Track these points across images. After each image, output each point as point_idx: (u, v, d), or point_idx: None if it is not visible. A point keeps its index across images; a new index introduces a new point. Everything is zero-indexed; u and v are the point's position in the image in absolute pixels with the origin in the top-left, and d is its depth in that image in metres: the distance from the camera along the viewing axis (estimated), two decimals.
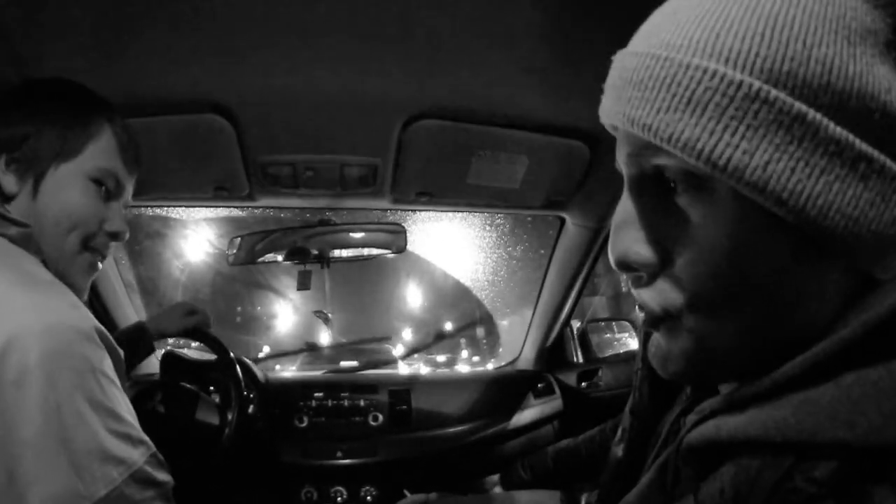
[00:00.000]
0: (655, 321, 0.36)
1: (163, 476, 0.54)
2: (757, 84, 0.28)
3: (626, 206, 0.36)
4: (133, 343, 1.09)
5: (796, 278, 0.31)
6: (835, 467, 0.27)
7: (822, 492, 0.27)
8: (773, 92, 0.28)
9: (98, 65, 0.79)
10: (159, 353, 1.27)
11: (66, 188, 0.64)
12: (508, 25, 0.75)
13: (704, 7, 0.30)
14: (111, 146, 0.68)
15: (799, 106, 0.28)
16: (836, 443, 0.27)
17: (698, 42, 0.30)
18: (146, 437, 0.53)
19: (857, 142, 0.28)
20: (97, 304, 1.36)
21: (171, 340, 1.49)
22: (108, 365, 0.51)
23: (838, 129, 0.28)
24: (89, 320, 0.51)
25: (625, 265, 0.35)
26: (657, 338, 0.38)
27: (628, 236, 0.35)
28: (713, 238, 0.31)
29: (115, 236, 0.69)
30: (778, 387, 0.31)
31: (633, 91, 0.32)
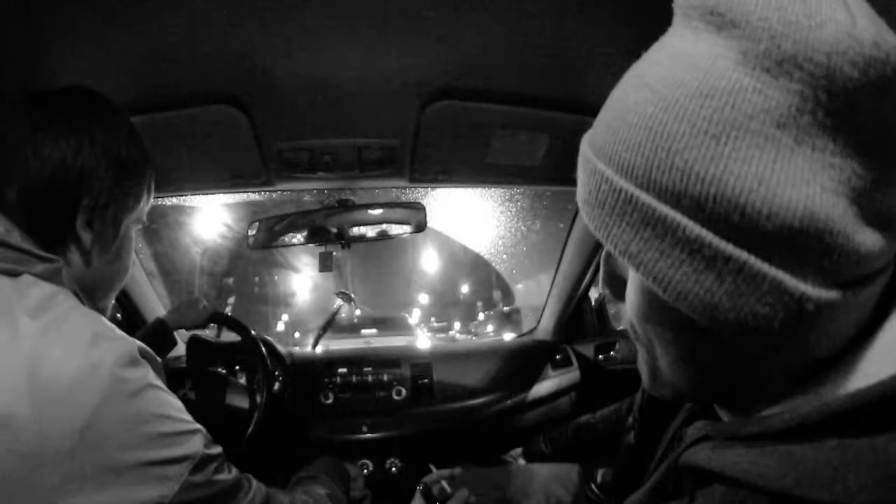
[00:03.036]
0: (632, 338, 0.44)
1: (215, 449, 0.59)
2: (632, 190, 0.33)
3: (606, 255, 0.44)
4: (157, 340, 1.15)
5: (701, 342, 0.36)
6: None
7: None
8: (643, 197, 0.33)
9: (109, 63, 0.79)
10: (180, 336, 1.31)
11: (130, 244, 0.67)
12: (527, 3, 0.73)
13: (615, 110, 0.36)
14: (151, 186, 0.70)
15: (662, 208, 0.32)
16: (812, 500, 0.29)
17: (604, 147, 0.35)
18: (196, 424, 0.57)
19: (715, 240, 0.31)
20: (125, 302, 1.40)
21: None
22: (154, 376, 0.54)
23: (696, 227, 0.31)
24: (128, 344, 0.53)
25: (606, 296, 0.45)
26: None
27: (603, 273, 0.44)
28: (631, 296, 0.39)
29: None
30: (764, 436, 0.34)
31: (580, 181, 0.39)
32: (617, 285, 0.42)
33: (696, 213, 0.31)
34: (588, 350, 1.72)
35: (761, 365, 0.36)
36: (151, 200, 0.70)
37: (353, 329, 7.21)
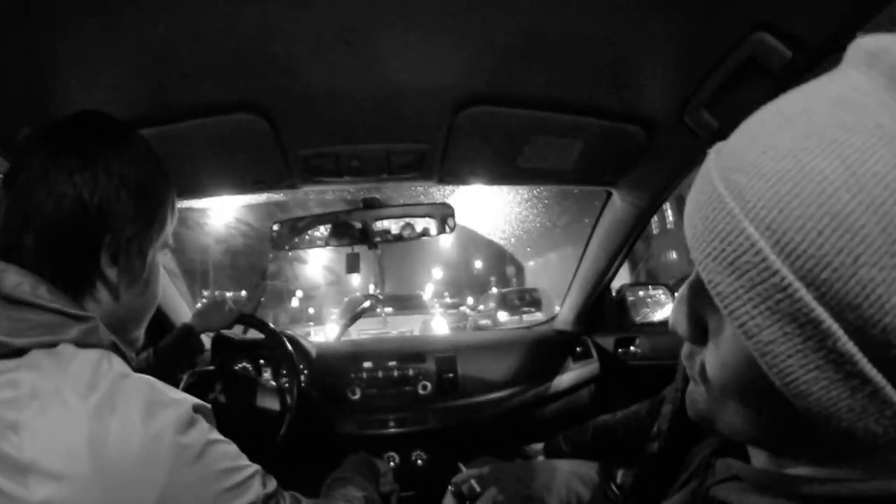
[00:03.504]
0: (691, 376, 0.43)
1: (271, 485, 0.59)
2: (790, 279, 0.30)
3: (691, 285, 0.40)
4: (185, 346, 1.15)
5: (785, 415, 0.34)
6: None
7: None
8: (802, 292, 0.29)
9: (128, 74, 0.77)
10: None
11: (158, 271, 0.65)
12: (563, 7, 0.70)
13: (786, 165, 0.30)
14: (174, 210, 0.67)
15: (820, 312, 0.29)
16: None
17: (762, 209, 0.31)
18: (253, 465, 0.57)
19: (863, 361, 0.29)
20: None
21: None
22: (209, 429, 0.53)
23: (850, 344, 0.29)
24: (183, 406, 0.51)
25: (675, 331, 0.41)
26: (690, 387, 0.44)
27: (680, 311, 0.41)
28: (725, 352, 0.37)
29: None
30: (795, 496, 0.35)
31: (699, 221, 0.35)
32: (697, 328, 0.40)
33: (859, 332, 0.29)
34: (608, 343, 1.72)
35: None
36: (175, 220, 0.67)
37: (370, 307, 7.31)
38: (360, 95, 0.88)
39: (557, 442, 1.30)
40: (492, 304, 12.69)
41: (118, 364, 0.52)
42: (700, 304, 0.39)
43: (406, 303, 7.63)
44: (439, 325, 7.93)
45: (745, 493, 0.39)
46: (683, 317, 0.40)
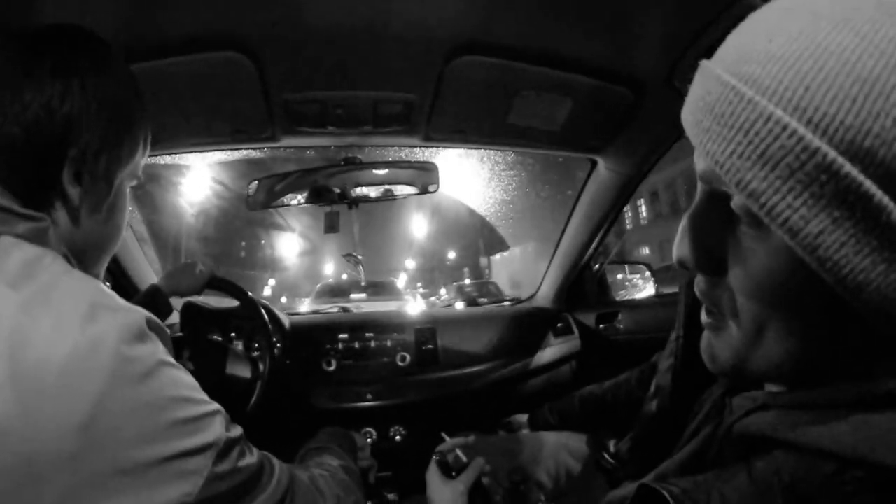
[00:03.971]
0: (709, 322, 0.41)
1: (236, 430, 0.52)
2: (832, 155, 0.27)
3: (695, 213, 0.38)
4: (152, 308, 1.07)
5: (835, 326, 0.33)
6: (877, 478, 0.30)
7: (863, 489, 0.30)
8: (847, 167, 0.27)
9: (108, 4, 0.71)
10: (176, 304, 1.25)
11: (124, 204, 0.60)
12: None
13: (801, 45, 0.29)
14: (147, 140, 0.62)
15: (869, 185, 0.27)
16: (885, 466, 0.29)
17: (785, 91, 0.29)
18: (214, 402, 0.50)
19: None
20: (115, 269, 1.32)
21: None
22: (164, 351, 0.47)
23: None
24: (134, 314, 0.45)
25: (685, 266, 0.38)
26: (705, 336, 0.42)
27: (690, 242, 0.38)
28: (759, 271, 0.34)
29: None
30: (836, 404, 0.34)
31: (712, 122, 0.32)
32: (714, 260, 0.37)
33: None
34: (589, 319, 1.72)
35: (884, 351, 0.33)
36: (147, 154, 0.63)
37: (342, 293, 7.17)
38: (350, 36, 0.83)
39: (543, 413, 1.26)
40: (451, 295, 12.77)
41: (65, 265, 0.47)
42: (710, 230, 0.36)
43: (379, 289, 7.47)
44: (415, 312, 7.69)
45: (779, 417, 0.37)
46: (693, 248, 0.37)
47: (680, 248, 0.38)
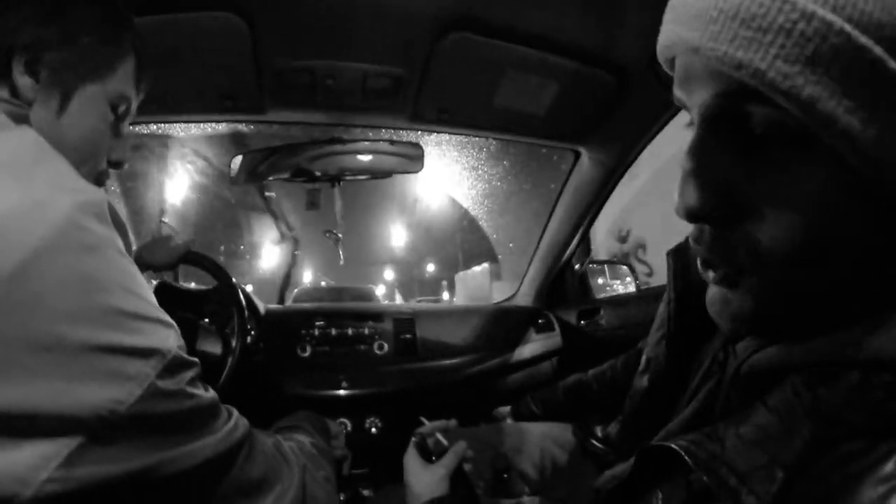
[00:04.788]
0: (719, 278, 0.36)
1: (192, 359, 0.47)
2: (879, 52, 0.26)
3: (700, 151, 0.33)
4: None
5: (877, 244, 0.30)
6: None
7: (894, 394, 0.28)
8: (892, 63, 0.26)
9: None
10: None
11: (92, 113, 0.56)
12: None
13: None
14: (132, 69, 0.59)
15: None
16: None
17: (844, 3, 0.27)
18: (170, 318, 0.45)
19: None
20: None
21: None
22: (122, 247, 0.42)
23: None
24: (100, 195, 0.42)
25: (696, 216, 0.33)
26: (717, 293, 0.37)
27: (697, 184, 0.32)
28: (806, 195, 0.30)
29: (116, 165, 0.63)
30: (848, 316, 0.31)
31: (740, 29, 0.29)
32: (728, 200, 0.32)
33: None
34: (570, 316, 1.72)
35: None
36: (141, 87, 0.62)
37: (319, 300, 7.04)
38: (345, 5, 0.83)
39: (527, 403, 1.24)
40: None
41: (42, 141, 0.45)
42: (723, 165, 0.32)
43: (356, 296, 7.38)
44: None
45: (789, 346, 0.34)
46: (703, 190, 0.32)
47: (685, 194, 0.33)
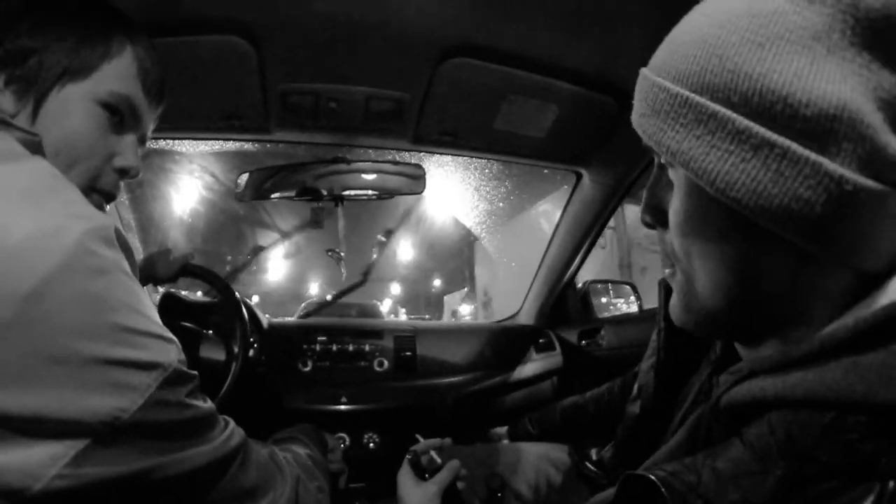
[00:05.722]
0: (667, 274, 0.47)
1: (192, 372, 0.50)
2: (686, 93, 0.37)
3: (651, 181, 0.45)
4: None
5: (744, 248, 0.38)
6: (881, 422, 0.29)
7: (869, 434, 0.29)
8: (697, 98, 0.36)
9: None
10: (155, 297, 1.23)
11: (70, 112, 0.54)
12: None
13: (673, 35, 0.41)
14: (131, 69, 0.58)
15: (714, 107, 0.35)
16: (888, 405, 0.29)
17: (663, 64, 0.40)
18: (171, 334, 0.48)
19: (761, 130, 0.34)
20: None
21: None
22: (129, 268, 0.45)
23: (744, 121, 0.34)
24: (108, 221, 0.44)
25: (645, 223, 0.46)
26: (673, 295, 0.46)
27: (646, 200, 0.45)
28: (676, 205, 0.41)
29: (124, 173, 0.60)
30: (823, 351, 0.33)
31: (635, 103, 0.43)
32: (658, 212, 0.44)
33: (744, 107, 0.34)
34: (571, 336, 1.72)
35: (808, 278, 0.36)
36: (136, 80, 0.59)
37: (324, 314, 7.00)
38: (348, 30, 0.86)
39: (523, 424, 1.24)
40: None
41: (54, 169, 0.46)
42: (657, 189, 0.45)
43: (361, 311, 7.35)
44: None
45: (766, 380, 0.36)
46: (647, 204, 0.45)
47: (642, 210, 0.46)
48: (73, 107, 0.54)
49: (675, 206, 0.41)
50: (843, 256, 0.34)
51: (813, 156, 0.32)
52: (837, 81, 0.32)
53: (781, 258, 0.37)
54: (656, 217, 0.45)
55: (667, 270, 0.47)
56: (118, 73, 0.57)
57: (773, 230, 0.35)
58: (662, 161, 0.43)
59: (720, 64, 0.35)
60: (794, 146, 0.33)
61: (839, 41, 0.33)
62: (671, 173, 0.42)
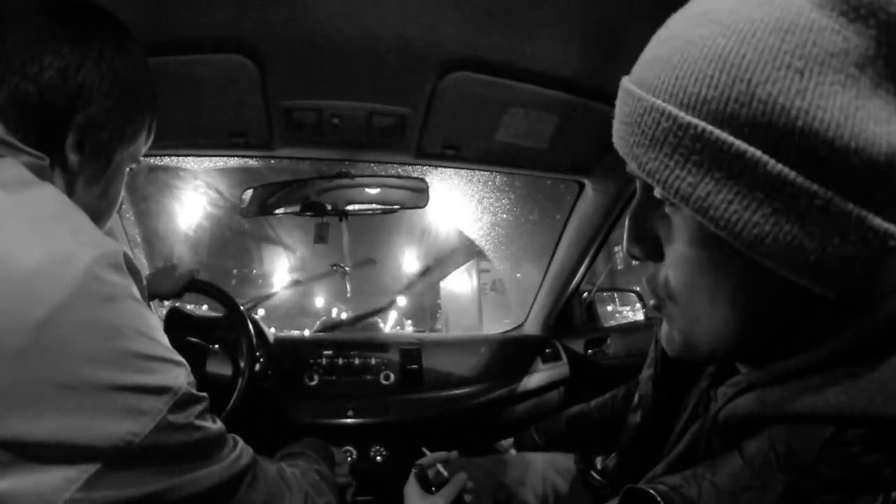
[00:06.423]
0: (655, 305, 0.42)
1: (201, 394, 0.51)
2: (702, 125, 0.30)
3: (633, 208, 0.41)
4: None
5: (757, 291, 0.34)
6: (882, 435, 0.29)
7: (870, 447, 0.29)
8: (716, 133, 0.30)
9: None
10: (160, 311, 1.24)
11: (120, 178, 0.61)
12: None
13: (673, 45, 0.34)
14: (148, 130, 0.64)
15: (739, 144, 0.29)
16: (888, 418, 0.28)
17: (662, 83, 0.33)
18: (181, 357, 0.49)
19: (798, 178, 0.29)
20: None
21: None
22: (137, 293, 0.46)
23: (778, 165, 0.29)
24: (115, 247, 0.46)
25: (631, 255, 0.41)
26: (663, 323, 0.43)
27: (631, 233, 0.40)
28: (679, 244, 0.36)
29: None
30: (822, 364, 0.33)
31: (619, 123, 0.37)
32: (650, 244, 0.39)
33: (779, 148, 0.29)
34: (578, 346, 1.72)
35: (814, 308, 0.33)
36: (150, 140, 0.65)
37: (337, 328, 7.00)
38: (350, 47, 0.87)
39: (530, 434, 1.24)
40: None
41: (64, 196, 0.48)
42: (645, 220, 0.40)
43: (368, 324, 7.36)
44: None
45: (765, 393, 0.36)
46: (631, 238, 0.40)
47: (626, 239, 0.41)
48: (120, 173, 0.61)
49: (679, 249, 0.37)
50: (857, 297, 0.32)
51: (857, 210, 0.28)
52: (886, 121, 0.28)
53: (795, 298, 0.33)
54: (647, 250, 0.40)
55: (652, 302, 0.43)
56: (144, 139, 0.63)
57: (798, 282, 0.31)
58: (658, 196, 0.36)
59: (747, 92, 0.29)
60: (837, 199, 0.28)
61: (883, 70, 0.28)
62: (669, 209, 0.37)
